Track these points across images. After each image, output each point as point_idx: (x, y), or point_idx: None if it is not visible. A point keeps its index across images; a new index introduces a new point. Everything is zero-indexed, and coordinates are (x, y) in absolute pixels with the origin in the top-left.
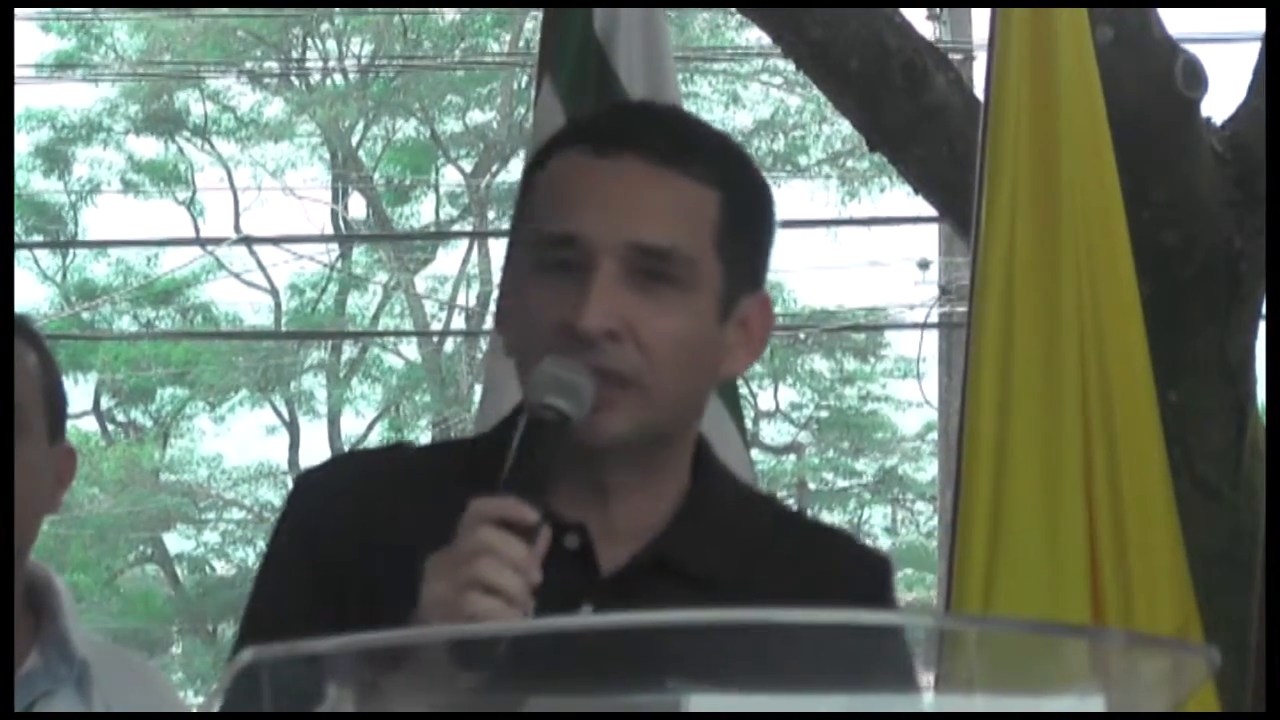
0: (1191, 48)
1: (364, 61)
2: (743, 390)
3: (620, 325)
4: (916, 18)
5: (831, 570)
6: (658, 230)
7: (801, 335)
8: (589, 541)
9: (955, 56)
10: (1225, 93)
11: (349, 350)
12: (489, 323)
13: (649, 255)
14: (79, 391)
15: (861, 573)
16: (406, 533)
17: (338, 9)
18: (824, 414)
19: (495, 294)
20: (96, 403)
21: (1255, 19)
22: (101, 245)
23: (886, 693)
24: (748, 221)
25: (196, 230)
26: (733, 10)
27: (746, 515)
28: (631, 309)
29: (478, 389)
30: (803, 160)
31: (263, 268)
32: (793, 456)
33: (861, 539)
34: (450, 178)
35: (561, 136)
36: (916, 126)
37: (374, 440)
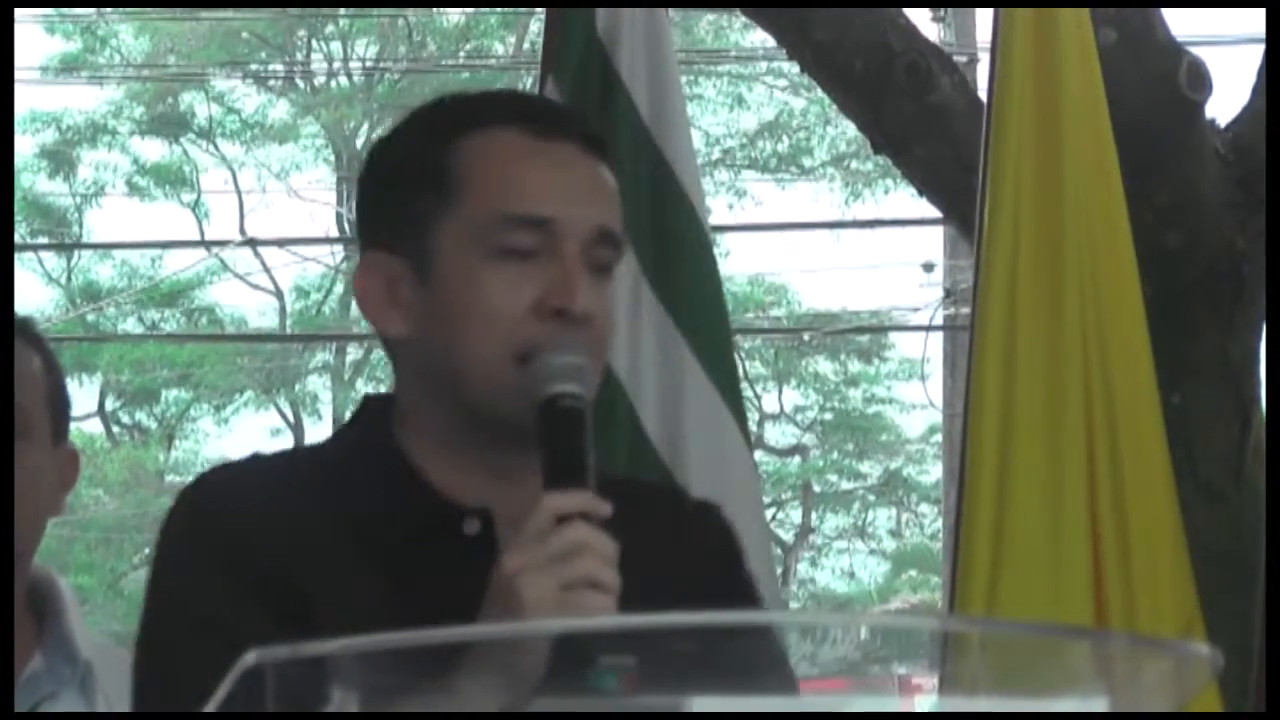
0: (1195, 50)
1: (369, 64)
2: (747, 392)
3: (592, 309)
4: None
5: (686, 527)
6: (612, 216)
7: (805, 337)
8: (490, 525)
9: (959, 58)
10: (1229, 95)
11: (353, 352)
12: None
13: (606, 241)
14: (83, 393)
15: (710, 522)
16: (313, 536)
17: (342, 11)
18: (828, 416)
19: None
20: (101, 404)
21: (1258, 20)
22: (106, 247)
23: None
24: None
25: (201, 232)
26: (737, 12)
27: (604, 488)
28: (592, 294)
29: None
30: (807, 162)
31: (267, 270)
32: (797, 459)
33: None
34: None
35: (466, 119)
36: (920, 128)
37: None
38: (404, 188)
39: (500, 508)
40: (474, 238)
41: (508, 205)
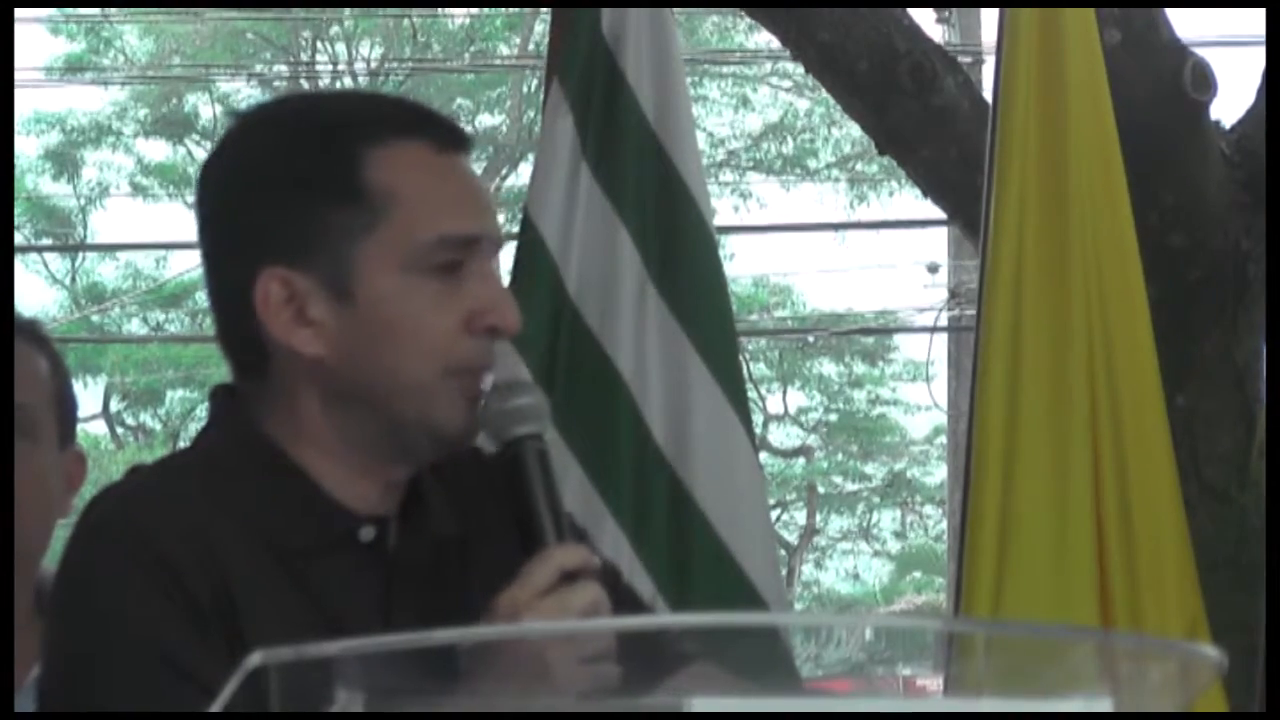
0: (1200, 51)
1: (373, 65)
2: (751, 394)
3: None
4: (925, 20)
5: (484, 479)
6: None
7: (810, 338)
8: (385, 531)
9: (964, 59)
10: (1234, 96)
11: None
12: None
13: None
14: (88, 395)
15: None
16: (235, 559)
17: (347, 13)
18: (833, 417)
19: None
20: (106, 406)
21: (1262, 21)
22: (111, 248)
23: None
24: None
25: None
26: (741, 13)
27: (443, 468)
28: None
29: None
30: (812, 163)
31: None
32: (801, 460)
33: None
34: None
35: (363, 130)
36: (925, 129)
37: None
38: (309, 201)
39: (390, 519)
40: (404, 258)
41: (440, 227)
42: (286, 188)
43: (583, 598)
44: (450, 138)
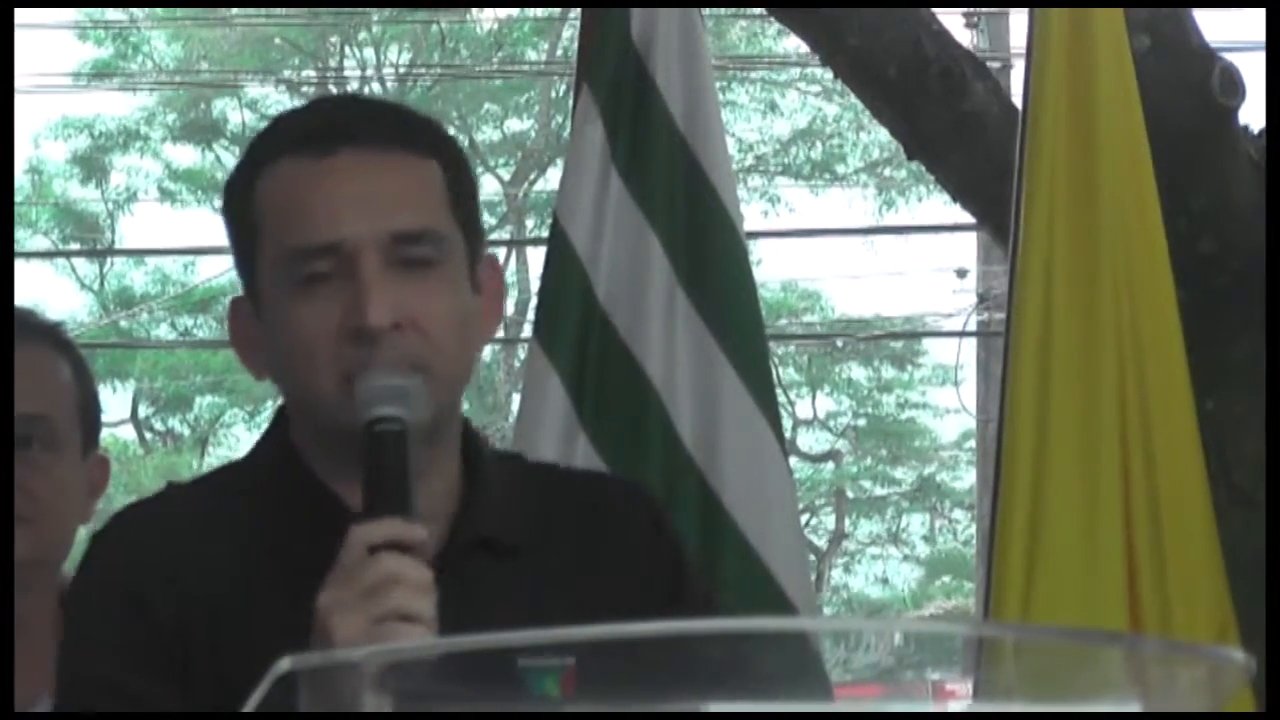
0: (1230, 55)
1: (401, 70)
2: (780, 398)
3: (400, 315)
4: (954, 25)
5: (607, 511)
6: (407, 214)
7: (839, 343)
8: None
9: (993, 64)
10: (1262, 100)
11: None
12: (527, 330)
13: (407, 241)
14: (117, 400)
15: (631, 504)
16: (224, 573)
17: (375, 16)
18: (862, 422)
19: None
20: (134, 411)
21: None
22: (139, 253)
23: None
24: (466, 186)
25: None
26: (770, 18)
27: (519, 477)
28: (405, 297)
29: (515, 397)
30: (840, 168)
31: None
32: (831, 464)
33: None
34: (488, 186)
35: (261, 151)
36: (954, 134)
37: None
38: (231, 229)
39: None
40: (277, 274)
41: (293, 239)
42: (226, 215)
43: (373, 572)
44: (330, 138)
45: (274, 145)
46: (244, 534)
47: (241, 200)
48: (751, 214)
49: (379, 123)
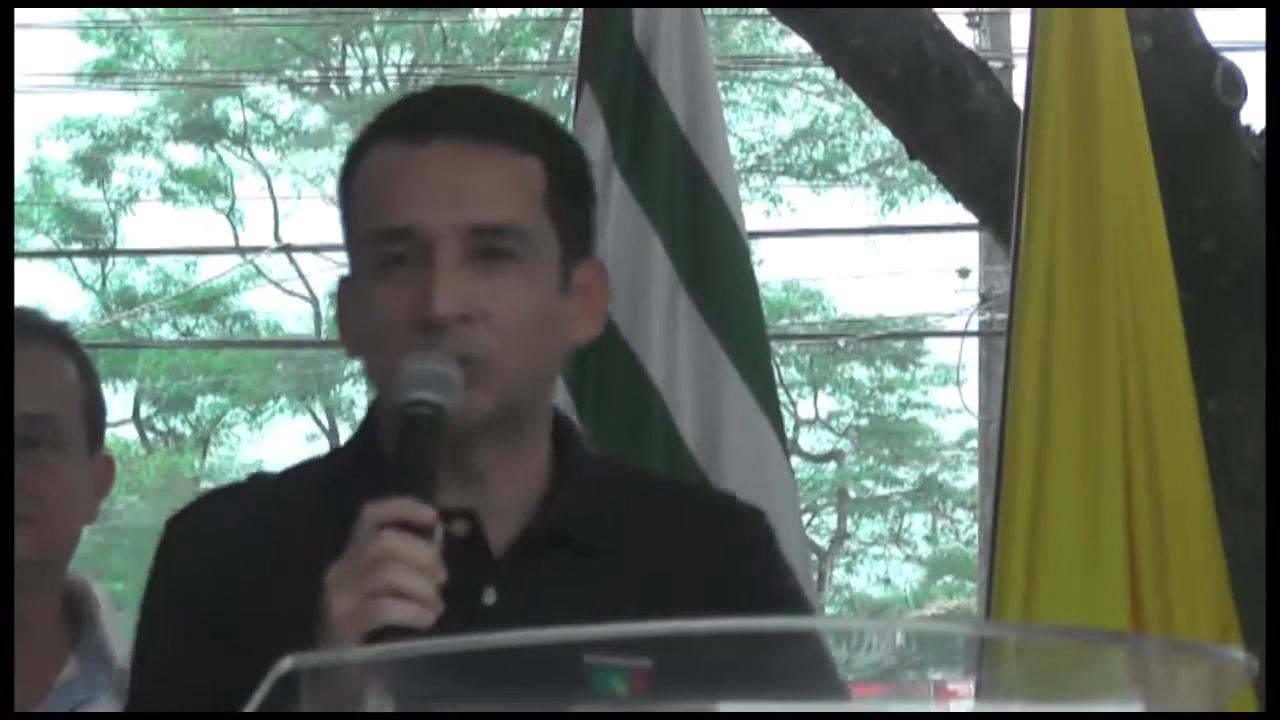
0: (1232, 55)
1: (404, 70)
2: (782, 398)
3: (469, 308)
4: (956, 25)
5: (708, 527)
6: (490, 208)
7: (841, 343)
8: (479, 526)
9: (995, 64)
10: (1263, 100)
11: None
12: None
13: (486, 234)
14: (119, 399)
15: (739, 526)
16: (292, 561)
17: (377, 16)
18: (864, 422)
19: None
20: (136, 411)
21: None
22: (141, 253)
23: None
24: (573, 187)
25: (236, 238)
26: (772, 18)
27: (614, 480)
28: (478, 290)
29: None
30: (842, 168)
31: (302, 276)
32: (833, 464)
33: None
34: None
35: (368, 136)
36: (956, 134)
37: None
38: (339, 210)
39: (479, 508)
40: (361, 255)
41: (375, 222)
42: (337, 196)
43: (373, 548)
44: (427, 126)
45: (376, 130)
46: (313, 523)
47: (343, 182)
48: (753, 214)
49: (479, 115)
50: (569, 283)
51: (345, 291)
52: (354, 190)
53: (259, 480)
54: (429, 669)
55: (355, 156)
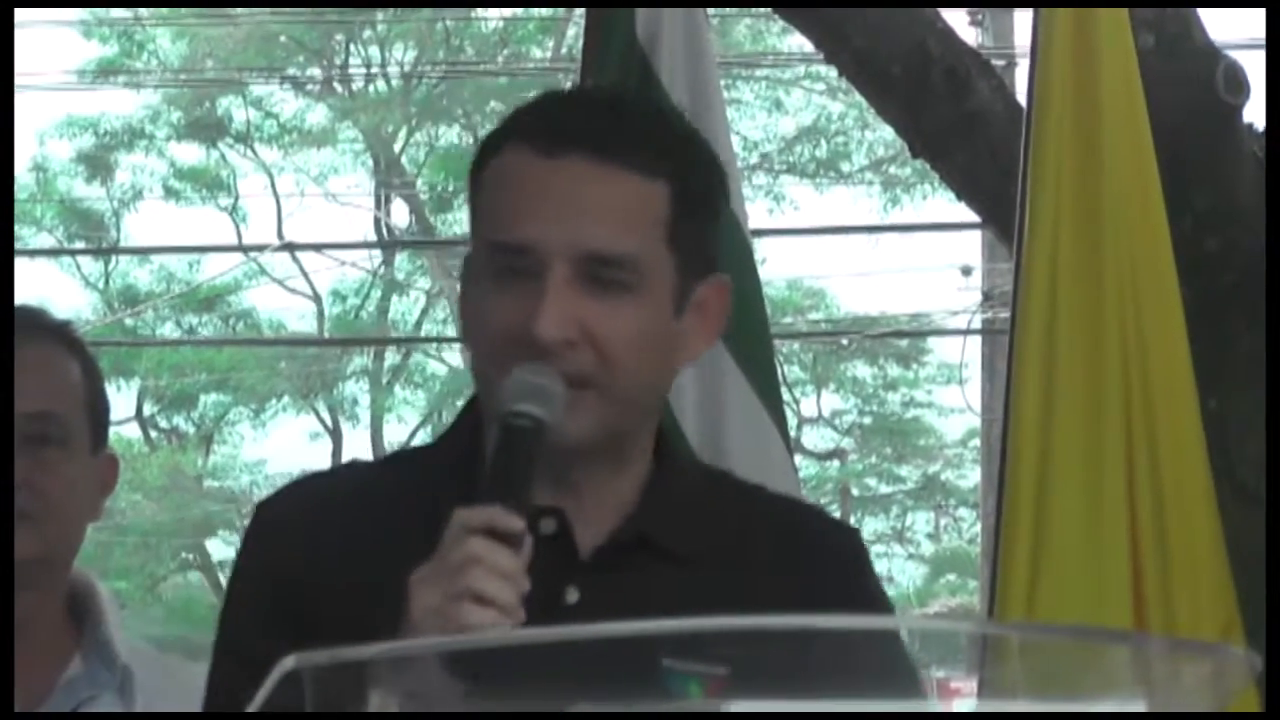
0: (1234, 53)
1: (407, 68)
2: (785, 396)
3: (576, 332)
4: (959, 23)
5: (804, 542)
6: (609, 236)
7: (844, 341)
8: (566, 525)
9: (998, 63)
10: (1263, 100)
11: (391, 356)
12: None
13: (602, 263)
14: (121, 398)
15: (833, 542)
16: (377, 552)
17: (380, 15)
18: (867, 420)
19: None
20: (139, 409)
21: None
22: (144, 252)
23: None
24: (699, 209)
25: (239, 236)
26: (775, 16)
27: (712, 491)
28: (587, 314)
29: None
30: (845, 166)
31: (305, 274)
32: (836, 462)
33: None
34: None
35: (502, 133)
36: (959, 132)
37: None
38: (468, 196)
39: (570, 508)
40: (482, 259)
41: (496, 232)
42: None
43: (459, 552)
44: (561, 138)
45: (510, 130)
46: (406, 520)
47: (474, 175)
48: (756, 212)
49: (610, 133)
50: (684, 306)
51: (468, 278)
52: (481, 189)
53: (354, 468)
54: (500, 664)
55: (486, 153)
